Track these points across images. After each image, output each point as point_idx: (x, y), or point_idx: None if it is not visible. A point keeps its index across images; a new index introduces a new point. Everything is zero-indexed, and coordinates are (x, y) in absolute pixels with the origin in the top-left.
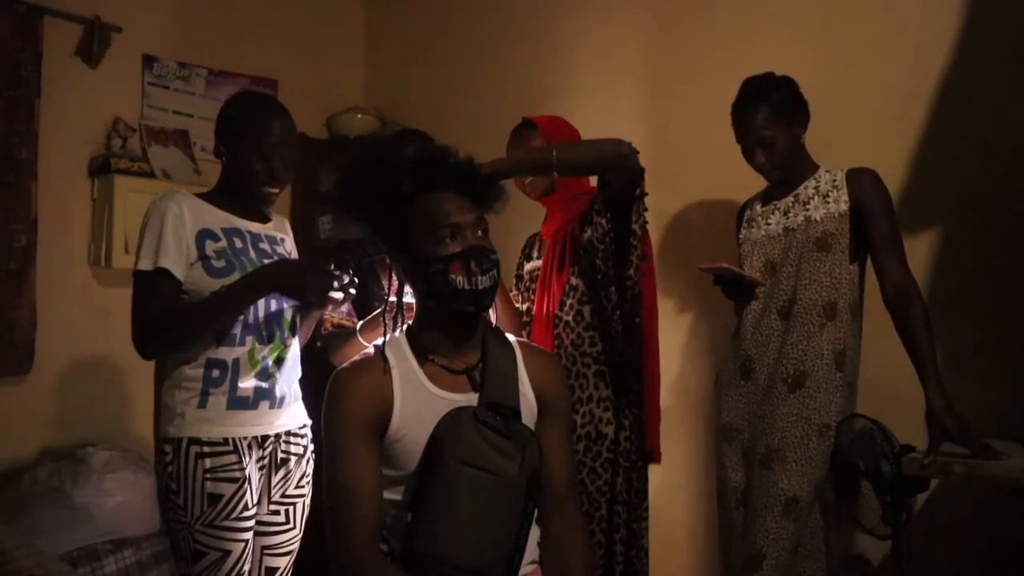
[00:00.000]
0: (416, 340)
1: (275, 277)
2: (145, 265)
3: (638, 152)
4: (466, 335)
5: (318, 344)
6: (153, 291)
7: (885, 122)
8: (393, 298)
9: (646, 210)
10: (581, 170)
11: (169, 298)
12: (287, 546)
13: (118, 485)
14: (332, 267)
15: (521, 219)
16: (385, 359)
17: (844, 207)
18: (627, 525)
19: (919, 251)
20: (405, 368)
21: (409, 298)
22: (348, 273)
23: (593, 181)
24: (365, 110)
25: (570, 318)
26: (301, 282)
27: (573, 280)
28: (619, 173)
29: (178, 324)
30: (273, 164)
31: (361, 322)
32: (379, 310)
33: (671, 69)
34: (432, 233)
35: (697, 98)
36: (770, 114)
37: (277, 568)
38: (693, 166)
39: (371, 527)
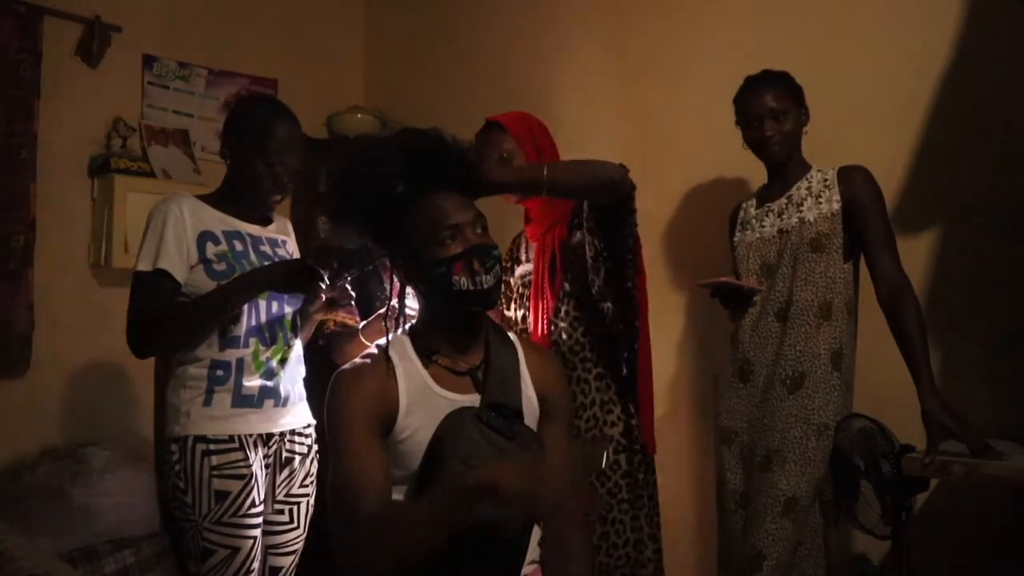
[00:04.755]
0: (420, 341)
1: (264, 273)
2: (144, 266)
3: (628, 170)
4: (470, 336)
5: (320, 343)
6: (151, 291)
7: (884, 122)
8: (395, 301)
9: (636, 225)
10: (571, 194)
11: (166, 298)
12: (291, 545)
13: (118, 485)
14: (332, 270)
15: (516, 216)
16: (388, 359)
17: (836, 206)
18: (649, 520)
19: (918, 251)
20: (409, 368)
21: (411, 299)
22: (344, 278)
23: None
24: (365, 110)
25: (567, 324)
26: (288, 274)
27: (567, 286)
28: (609, 197)
29: (173, 323)
30: (276, 171)
31: (364, 322)
32: (382, 309)
33: (669, 71)
34: (432, 235)
35: (696, 98)
36: (782, 91)
37: (281, 567)
38: (688, 165)
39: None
